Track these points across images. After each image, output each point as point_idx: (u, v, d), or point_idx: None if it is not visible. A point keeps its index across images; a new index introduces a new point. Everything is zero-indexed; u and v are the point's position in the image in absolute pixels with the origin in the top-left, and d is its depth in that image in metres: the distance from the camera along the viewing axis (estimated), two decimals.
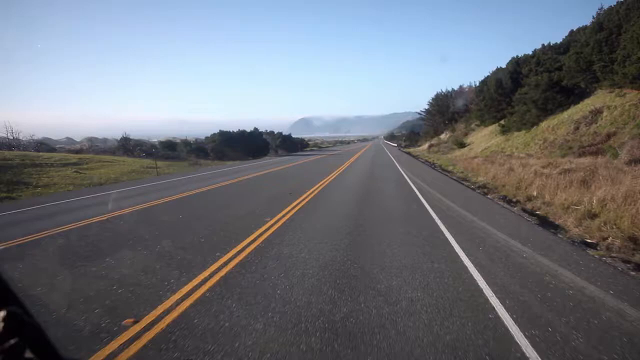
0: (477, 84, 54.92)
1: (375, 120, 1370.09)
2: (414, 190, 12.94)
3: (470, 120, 51.85)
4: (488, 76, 47.65)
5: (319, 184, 14.94)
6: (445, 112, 61.45)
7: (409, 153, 50.65)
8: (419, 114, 72.42)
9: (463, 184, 15.44)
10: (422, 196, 11.49)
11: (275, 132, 57.38)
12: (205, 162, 33.31)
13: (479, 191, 12.98)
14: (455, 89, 63.10)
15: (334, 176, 18.47)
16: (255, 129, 48.90)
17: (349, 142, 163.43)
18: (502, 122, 36.46)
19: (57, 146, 45.05)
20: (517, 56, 45.45)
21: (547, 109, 29.46)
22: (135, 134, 45.47)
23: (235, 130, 44.83)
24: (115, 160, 28.24)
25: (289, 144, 57.56)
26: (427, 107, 68.53)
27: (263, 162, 33.31)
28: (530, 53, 42.50)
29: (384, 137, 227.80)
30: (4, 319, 0.72)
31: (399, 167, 23.38)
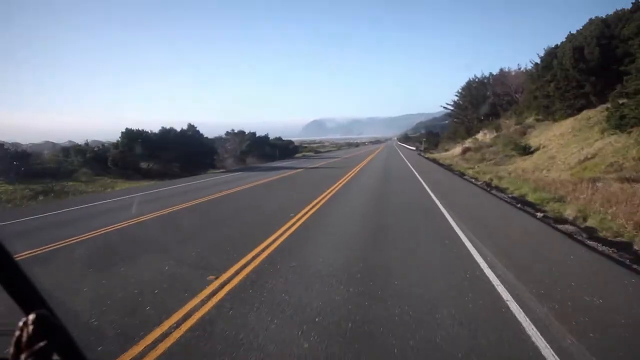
0: (527, 66, 39.72)
1: (387, 122, 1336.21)
2: None
3: (523, 113, 36.63)
4: (555, 47, 32.41)
5: None
6: (482, 104, 46.13)
7: (434, 161, 35.65)
8: (445, 107, 56.77)
9: None
10: None
11: (247, 133, 41.84)
12: (79, 186, 18.79)
13: None
14: (494, 73, 47.66)
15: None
16: (191, 126, 32.63)
17: (357, 145, 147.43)
18: (609, 108, 21.13)
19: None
20: (599, 17, 30.24)
21: None
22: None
23: (154, 131, 29.18)
24: None
25: (265, 150, 42.26)
26: (455, 98, 53.05)
27: (165, 189, 17.31)
28: (629, 7, 27.21)
29: (397, 138, 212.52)
30: (34, 322, 0.74)
31: (453, 225, 8.66)
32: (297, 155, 56.39)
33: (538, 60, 36.35)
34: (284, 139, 64.61)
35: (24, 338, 0.73)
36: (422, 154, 50.73)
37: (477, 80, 48.09)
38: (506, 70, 45.45)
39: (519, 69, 44.55)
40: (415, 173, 21.38)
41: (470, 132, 47.00)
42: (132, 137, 27.02)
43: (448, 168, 26.47)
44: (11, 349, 0.72)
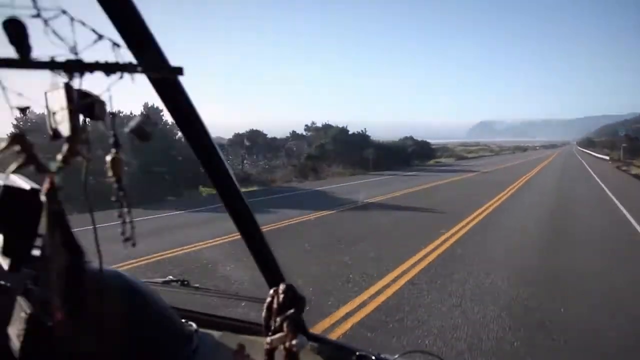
0: None
1: (565, 124, 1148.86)
2: None
3: None
4: None
5: None
6: None
7: None
8: None
9: None
10: None
11: (334, 127, 28.96)
12: None
13: None
14: None
15: None
16: (153, 108, 17.55)
17: (525, 149, 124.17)
18: None
19: None
20: None
21: None
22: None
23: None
24: None
25: (363, 154, 27.44)
26: None
27: None
28: None
29: (577, 143, 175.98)
30: (284, 291, 0.82)
31: None
32: (430, 162, 42.22)
33: None
34: (444, 141, 51.76)
35: (274, 305, 0.82)
36: (626, 168, 34.38)
37: None
38: None
39: None
40: None
41: None
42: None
43: None
44: (263, 313, 0.83)
